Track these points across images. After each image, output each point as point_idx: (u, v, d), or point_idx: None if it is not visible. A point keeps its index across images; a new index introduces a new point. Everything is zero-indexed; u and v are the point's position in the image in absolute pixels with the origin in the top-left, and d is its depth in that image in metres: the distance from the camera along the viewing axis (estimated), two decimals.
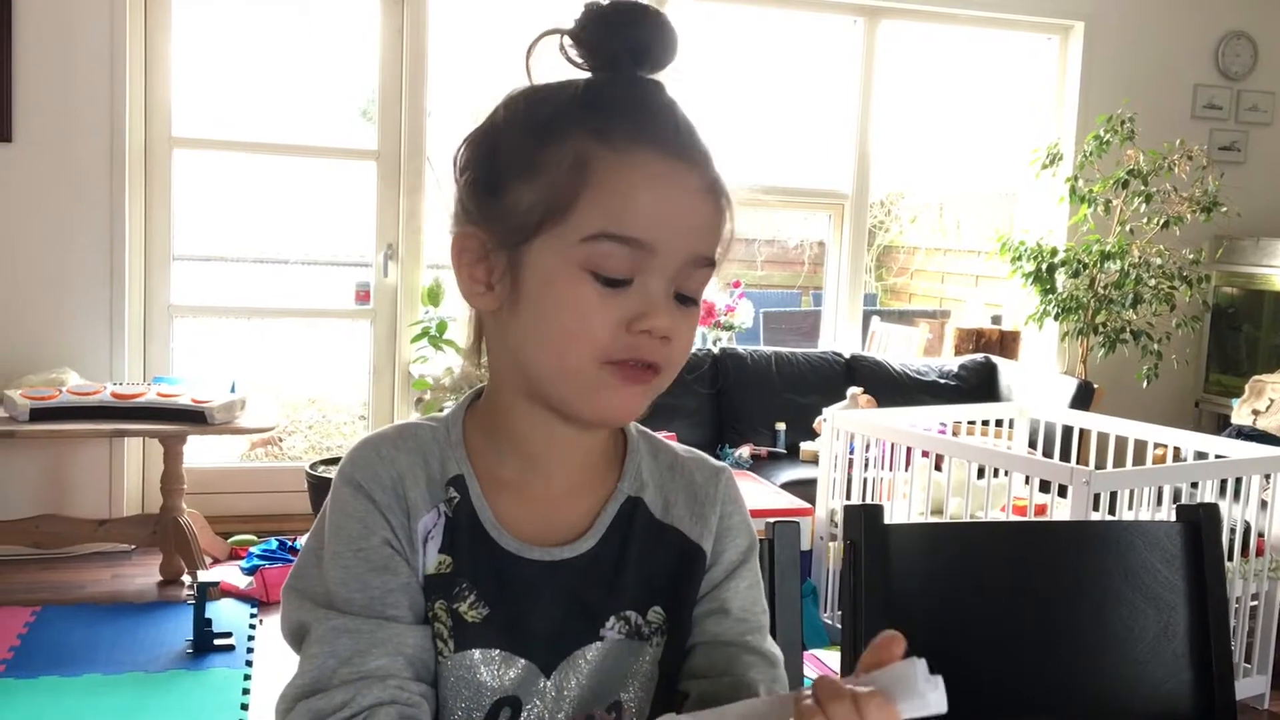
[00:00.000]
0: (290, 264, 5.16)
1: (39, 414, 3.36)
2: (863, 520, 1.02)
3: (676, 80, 0.85)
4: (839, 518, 3.44)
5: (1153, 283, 4.39)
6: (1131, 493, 2.80)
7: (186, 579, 3.65)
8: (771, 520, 1.01)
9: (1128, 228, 4.45)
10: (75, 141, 3.85)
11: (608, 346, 0.80)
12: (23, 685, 2.87)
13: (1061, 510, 3.07)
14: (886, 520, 1.05)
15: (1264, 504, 3.06)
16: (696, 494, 0.91)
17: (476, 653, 0.84)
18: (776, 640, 0.92)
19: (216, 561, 3.86)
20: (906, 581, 1.01)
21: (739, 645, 0.89)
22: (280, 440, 5.44)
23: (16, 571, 3.69)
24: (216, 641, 3.15)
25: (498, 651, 0.84)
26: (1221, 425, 4.69)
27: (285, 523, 4.15)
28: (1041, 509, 3.39)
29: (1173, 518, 1.15)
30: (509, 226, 0.81)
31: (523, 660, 0.85)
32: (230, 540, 4.00)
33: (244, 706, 2.82)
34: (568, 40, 0.83)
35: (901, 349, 5.15)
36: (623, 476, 0.90)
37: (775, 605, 0.99)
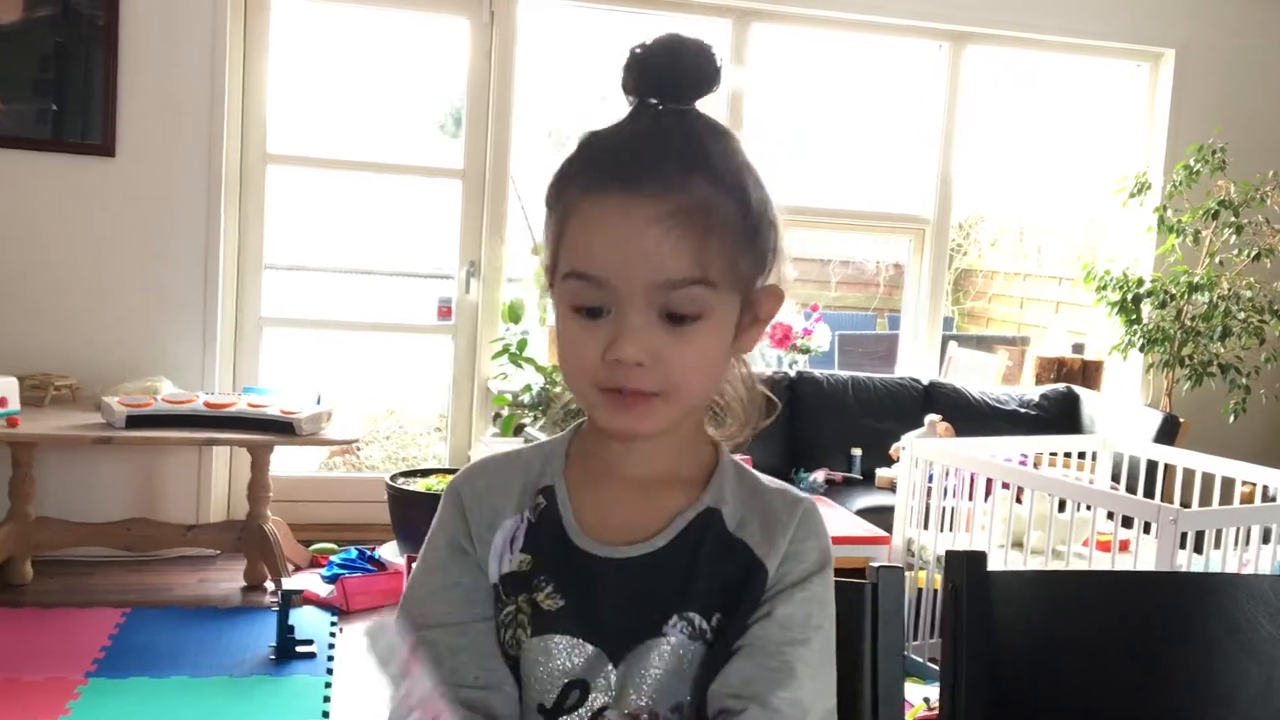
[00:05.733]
0: (375, 275, 5.27)
1: (135, 421, 3.47)
2: (965, 566, 1.03)
3: (712, 102, 0.93)
4: (916, 546, 3.42)
5: (1242, 315, 4.31)
6: (1219, 532, 2.75)
7: (270, 585, 3.74)
8: (875, 565, 1.02)
9: (1217, 259, 4.37)
10: (174, 157, 3.98)
11: (596, 375, 0.89)
12: (115, 685, 2.96)
13: (1146, 547, 3.02)
14: (983, 553, 1.07)
15: None
16: (771, 519, 0.96)
17: (553, 637, 0.93)
18: (877, 686, 0.93)
19: (298, 569, 3.94)
20: (1007, 627, 1.01)
21: (773, 654, 0.91)
22: (358, 450, 5.55)
23: (107, 573, 3.80)
24: (299, 649, 3.22)
25: (570, 638, 0.93)
26: None
27: (365, 532, 4.23)
28: (1125, 545, 3.34)
29: (1264, 558, 1.15)
30: (548, 270, 0.95)
31: (592, 647, 0.93)
32: (311, 548, 4.09)
33: (325, 715, 2.88)
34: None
35: (979, 375, 5.11)
36: (706, 489, 0.97)
37: (878, 650, 1.00)
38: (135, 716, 2.80)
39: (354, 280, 5.29)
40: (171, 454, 4.04)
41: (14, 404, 3.51)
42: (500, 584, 0.96)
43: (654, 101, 0.91)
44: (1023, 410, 4.49)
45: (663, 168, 0.87)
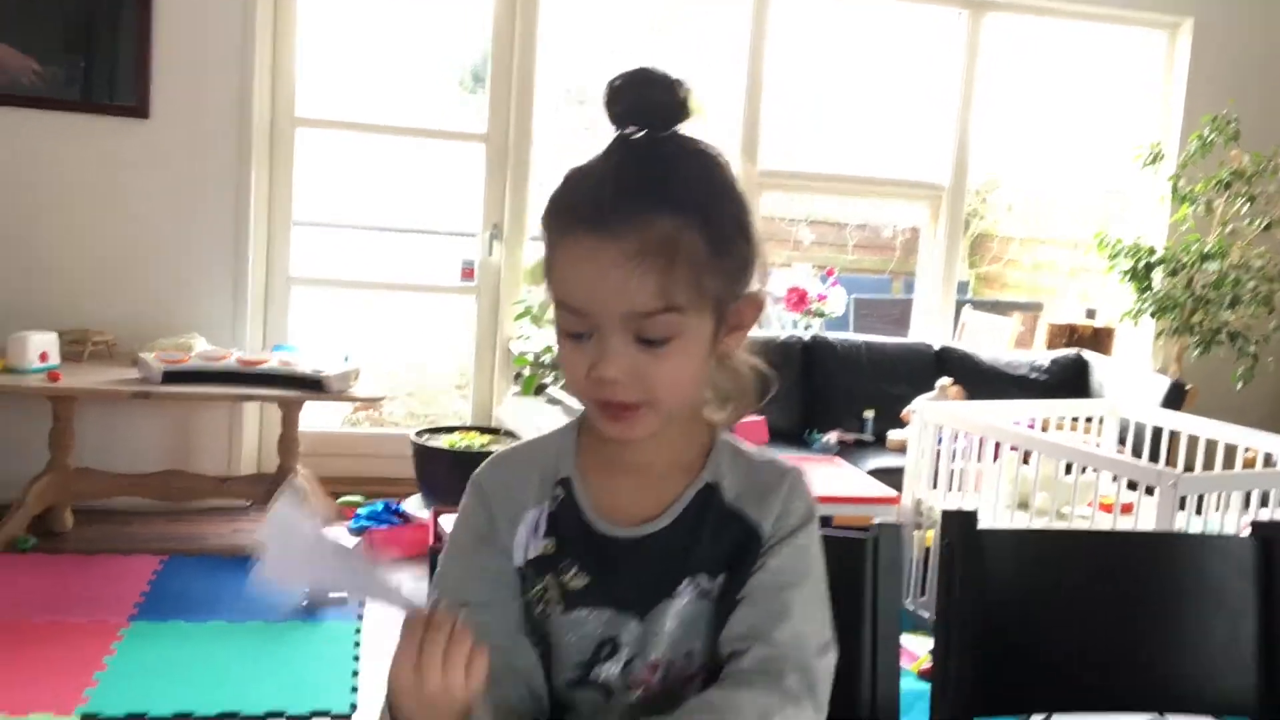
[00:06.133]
0: (400, 233, 5.36)
1: (171, 376, 3.59)
2: (958, 524, 1.13)
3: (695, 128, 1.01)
4: (925, 507, 3.53)
5: (1251, 285, 4.37)
6: (1219, 496, 2.85)
7: None
8: (876, 522, 1.12)
9: (1229, 229, 4.43)
10: (206, 120, 4.08)
11: (585, 388, 1.01)
12: (155, 628, 3.11)
13: (1148, 509, 3.12)
14: (974, 512, 1.17)
15: None
16: (764, 489, 1.08)
17: (583, 611, 1.06)
18: (876, 633, 1.03)
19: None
20: (998, 582, 1.12)
21: (770, 599, 1.02)
22: (381, 406, 5.68)
23: (145, 523, 3.95)
24: (330, 595, 3.36)
25: (597, 609, 1.06)
26: None
27: (389, 486, 4.36)
28: (1128, 508, 3.43)
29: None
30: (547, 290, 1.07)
31: (619, 614, 1.06)
32: (338, 501, 4.23)
33: (355, 659, 3.02)
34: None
35: (992, 339, 5.19)
36: (705, 468, 1.09)
37: (877, 603, 1.11)
38: (176, 657, 2.95)
39: (380, 240, 5.39)
40: (205, 408, 4.17)
41: (54, 359, 3.64)
42: (528, 567, 1.08)
43: (630, 131, 1.00)
44: (1033, 375, 4.58)
45: (626, 208, 0.96)
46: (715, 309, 1.01)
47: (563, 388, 3.75)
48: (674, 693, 1.05)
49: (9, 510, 3.63)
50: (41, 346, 3.61)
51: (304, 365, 3.73)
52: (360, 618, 3.28)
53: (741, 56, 4.66)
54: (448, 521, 3.05)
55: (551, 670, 1.08)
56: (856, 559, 1.13)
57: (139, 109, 4.01)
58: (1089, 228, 4.80)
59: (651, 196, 0.97)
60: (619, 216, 0.96)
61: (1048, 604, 1.16)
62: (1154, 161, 4.53)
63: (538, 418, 3.03)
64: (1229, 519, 2.94)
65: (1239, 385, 4.42)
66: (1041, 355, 4.76)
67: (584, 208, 0.98)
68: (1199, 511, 2.96)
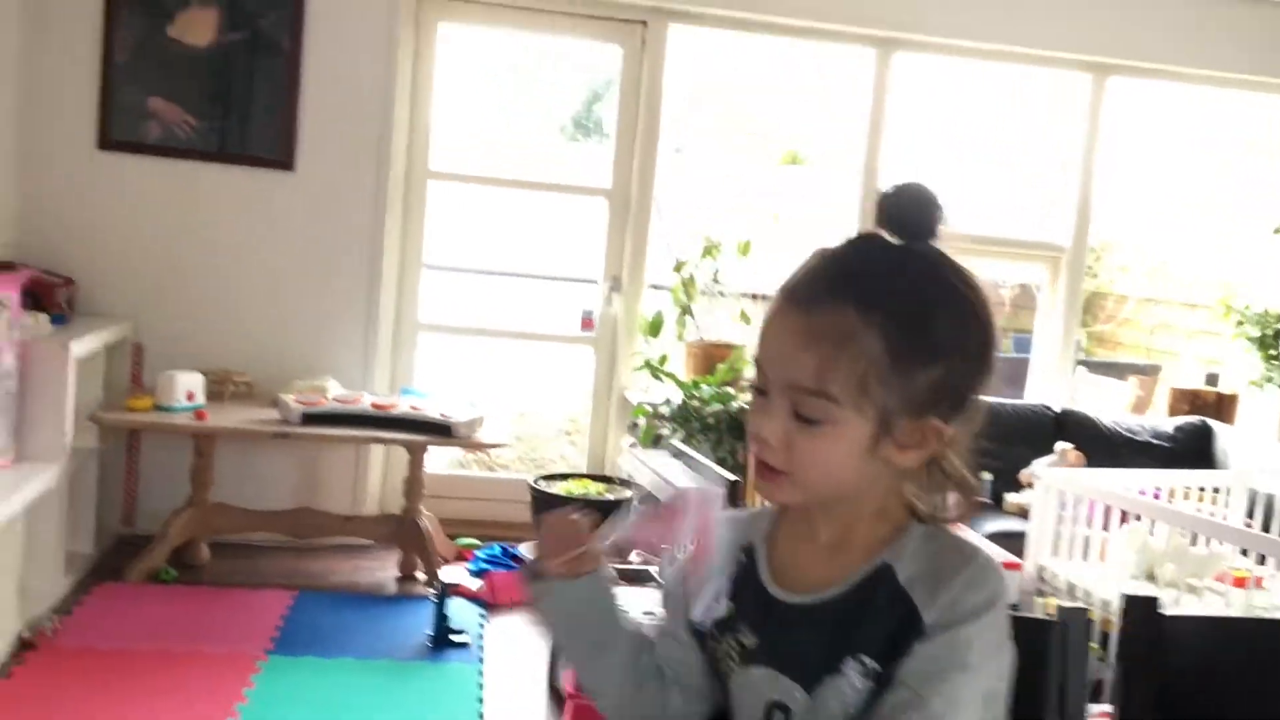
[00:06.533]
0: (521, 278, 5.50)
1: (309, 418, 3.75)
2: (1140, 609, 1.15)
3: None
4: (1048, 574, 3.50)
5: None
6: None
7: (421, 576, 3.99)
8: (1060, 605, 1.15)
9: None
10: (346, 172, 4.27)
11: (750, 442, 1.09)
12: (290, 663, 3.23)
13: (1277, 585, 3.06)
14: (1156, 599, 1.18)
15: None
16: (939, 575, 1.05)
17: (754, 669, 1.12)
18: (1064, 715, 1.05)
19: (445, 562, 4.18)
20: (1177, 666, 1.13)
21: (910, 687, 1.01)
22: (490, 450, 5.79)
23: (275, 558, 4.10)
24: (453, 638, 3.45)
25: (767, 669, 1.11)
26: None
27: (506, 530, 4.45)
28: (1259, 581, 3.36)
29: None
30: None
31: (786, 678, 1.10)
32: (455, 542, 4.33)
33: (479, 700, 3.10)
34: None
35: (1108, 403, 5.11)
36: (887, 549, 1.09)
37: (1067, 692, 1.12)
38: (312, 692, 3.06)
39: (502, 288, 5.54)
40: (334, 449, 4.32)
41: (200, 398, 3.82)
42: (714, 628, 1.16)
43: (879, 232, 1.07)
44: (1155, 442, 4.50)
45: (824, 291, 1.03)
46: (881, 416, 1.03)
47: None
48: None
49: (152, 542, 3.80)
50: (188, 386, 3.80)
51: (432, 410, 3.85)
52: (481, 660, 3.36)
53: (864, 113, 4.71)
54: None
55: None
56: (1038, 642, 1.15)
57: (284, 161, 4.21)
58: (1210, 290, 4.72)
59: (852, 289, 1.03)
60: (816, 297, 1.04)
61: (1229, 690, 1.17)
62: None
63: (660, 469, 3.09)
64: None
65: None
66: (1163, 421, 4.68)
67: (798, 281, 1.06)
68: None
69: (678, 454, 3.20)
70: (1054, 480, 3.52)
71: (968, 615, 1.02)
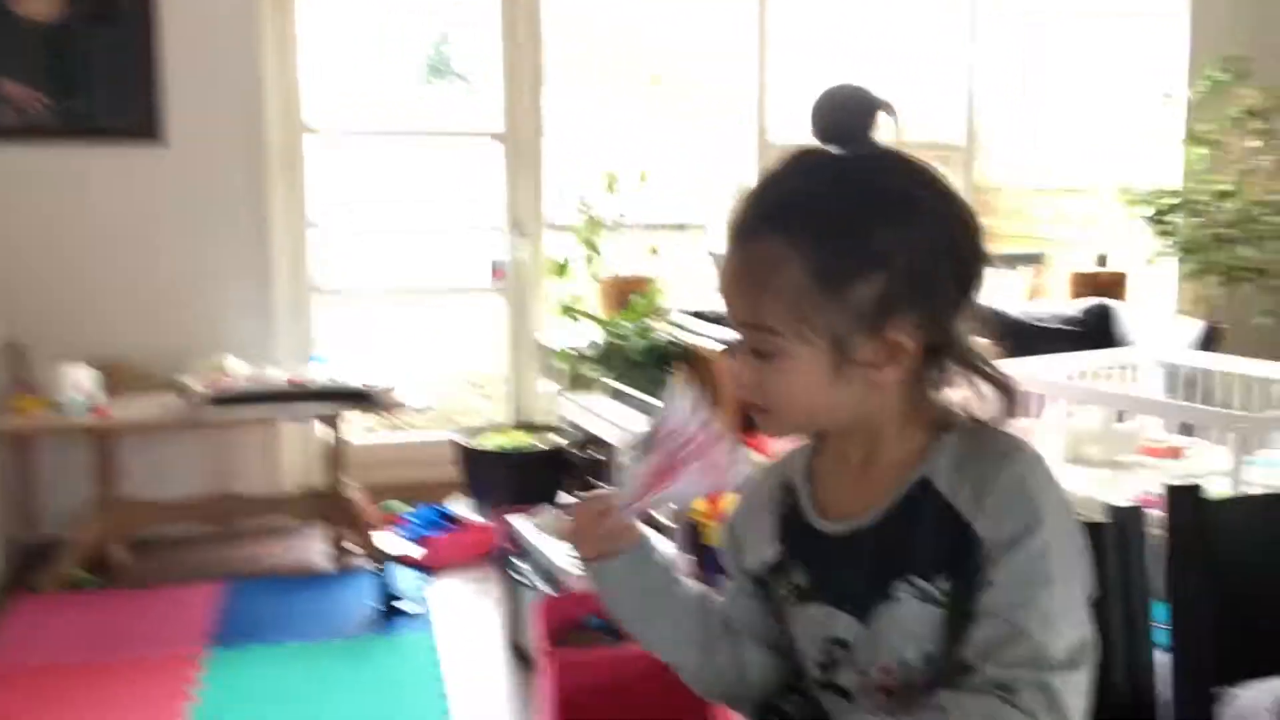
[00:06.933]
0: (423, 234, 5.32)
1: (221, 400, 3.56)
2: (1186, 500, 1.12)
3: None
4: None
5: (1271, 220, 4.40)
6: None
7: (354, 549, 3.86)
8: (1112, 506, 1.12)
9: (1245, 166, 4.46)
10: (220, 138, 4.03)
11: None
12: (236, 655, 3.10)
13: (1194, 453, 3.17)
14: (1199, 486, 1.16)
15: None
16: (980, 479, 1.00)
17: (812, 606, 1.09)
18: (1129, 608, 1.02)
19: (374, 530, 4.05)
20: (1227, 553, 1.12)
21: (1002, 620, 0.96)
22: (401, 413, 5.64)
23: (198, 549, 3.93)
24: (401, 608, 3.36)
25: (823, 605, 1.08)
26: None
27: (431, 491, 4.33)
28: (1178, 451, 3.46)
29: None
30: None
31: (841, 612, 1.06)
32: (381, 508, 4.20)
33: (438, 667, 3.02)
34: None
35: (1003, 295, 5.20)
36: (923, 462, 1.04)
37: (1130, 595, 1.09)
38: (265, 682, 2.94)
39: (403, 244, 5.35)
40: (243, 430, 4.13)
41: (98, 395, 3.60)
42: (768, 573, 1.13)
43: (810, 147, 1.03)
44: (1064, 327, 4.60)
45: (751, 225, 1.01)
46: (833, 340, 0.99)
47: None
48: (919, 698, 1.01)
49: (59, 549, 3.59)
50: (79, 381, 3.57)
51: (349, 379, 3.71)
52: (434, 628, 3.28)
53: (750, 21, 4.64)
54: (517, 524, 3.04)
55: (805, 673, 1.12)
56: (1097, 546, 1.11)
57: (152, 133, 3.95)
58: (1092, 175, 4.83)
59: (779, 216, 1.00)
60: (748, 230, 1.02)
61: (1273, 568, 1.16)
62: (1167, 104, 4.56)
63: (603, 412, 3.01)
64: None
65: (1266, 320, 4.45)
66: (1066, 306, 4.78)
67: (736, 216, 1.03)
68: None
69: (616, 394, 3.13)
70: None
71: (1027, 526, 0.96)
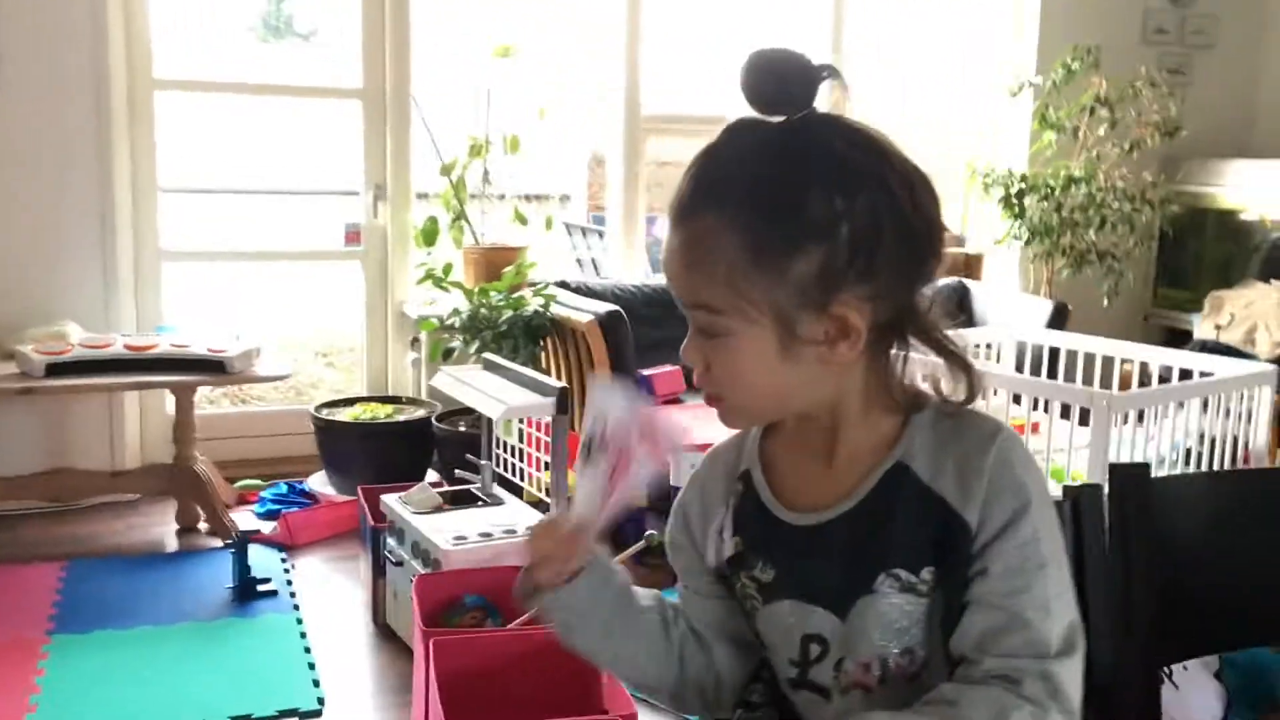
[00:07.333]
0: (278, 195, 5.09)
1: (54, 369, 3.32)
2: (1131, 478, 1.13)
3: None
4: None
5: (1115, 205, 4.61)
6: (1141, 411, 3.00)
7: (204, 526, 3.68)
8: (1074, 484, 1.11)
9: (1094, 153, 4.65)
10: (61, 92, 3.75)
11: None
12: (80, 640, 2.89)
13: (1061, 428, 3.28)
14: (1148, 465, 1.15)
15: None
16: (965, 464, 0.96)
17: (778, 604, 1.03)
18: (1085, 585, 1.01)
19: (228, 507, 3.87)
20: (1168, 529, 1.13)
21: (999, 608, 0.94)
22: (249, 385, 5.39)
23: (30, 527, 3.67)
24: (259, 587, 3.20)
25: (794, 601, 1.02)
26: (1170, 338, 4.97)
27: (290, 465, 4.17)
28: (1036, 427, 3.59)
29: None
30: None
31: (816, 607, 1.01)
32: (236, 485, 4.02)
33: (307, 650, 2.89)
34: None
35: None
36: (896, 447, 1.00)
37: (1086, 570, 1.09)
38: (115, 669, 2.75)
39: (256, 206, 5.10)
40: (82, 401, 3.87)
41: None
42: (725, 567, 1.07)
43: (754, 115, 0.97)
44: None
45: (686, 201, 0.96)
46: (776, 317, 0.94)
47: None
48: (899, 693, 0.98)
49: None
50: None
51: (200, 346, 3.50)
52: (296, 608, 3.14)
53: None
54: (389, 501, 2.93)
55: (777, 671, 1.06)
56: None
57: None
58: (943, 158, 4.96)
59: (712, 193, 0.95)
60: (684, 209, 0.97)
61: (1221, 543, 1.17)
62: (1020, 91, 4.71)
63: (480, 385, 2.92)
64: (1154, 433, 3.10)
65: (1106, 301, 4.66)
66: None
67: (675, 195, 0.98)
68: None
69: (491, 366, 3.04)
70: None
71: (1018, 510, 0.94)
